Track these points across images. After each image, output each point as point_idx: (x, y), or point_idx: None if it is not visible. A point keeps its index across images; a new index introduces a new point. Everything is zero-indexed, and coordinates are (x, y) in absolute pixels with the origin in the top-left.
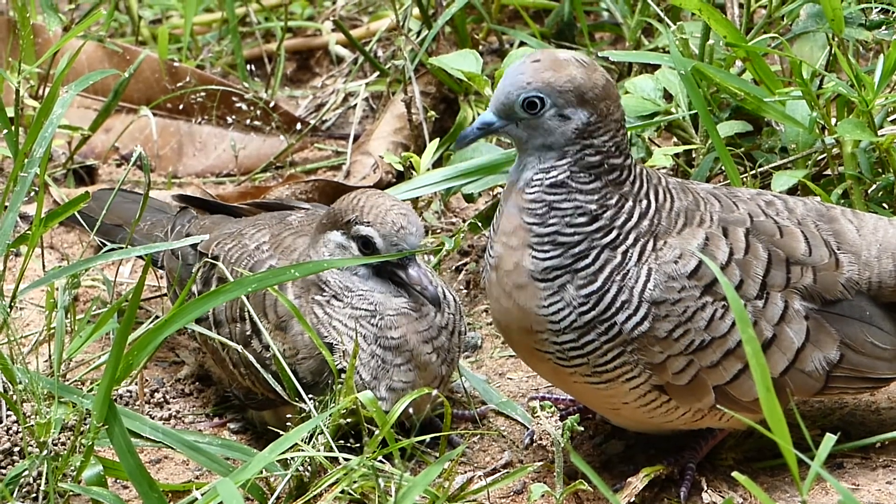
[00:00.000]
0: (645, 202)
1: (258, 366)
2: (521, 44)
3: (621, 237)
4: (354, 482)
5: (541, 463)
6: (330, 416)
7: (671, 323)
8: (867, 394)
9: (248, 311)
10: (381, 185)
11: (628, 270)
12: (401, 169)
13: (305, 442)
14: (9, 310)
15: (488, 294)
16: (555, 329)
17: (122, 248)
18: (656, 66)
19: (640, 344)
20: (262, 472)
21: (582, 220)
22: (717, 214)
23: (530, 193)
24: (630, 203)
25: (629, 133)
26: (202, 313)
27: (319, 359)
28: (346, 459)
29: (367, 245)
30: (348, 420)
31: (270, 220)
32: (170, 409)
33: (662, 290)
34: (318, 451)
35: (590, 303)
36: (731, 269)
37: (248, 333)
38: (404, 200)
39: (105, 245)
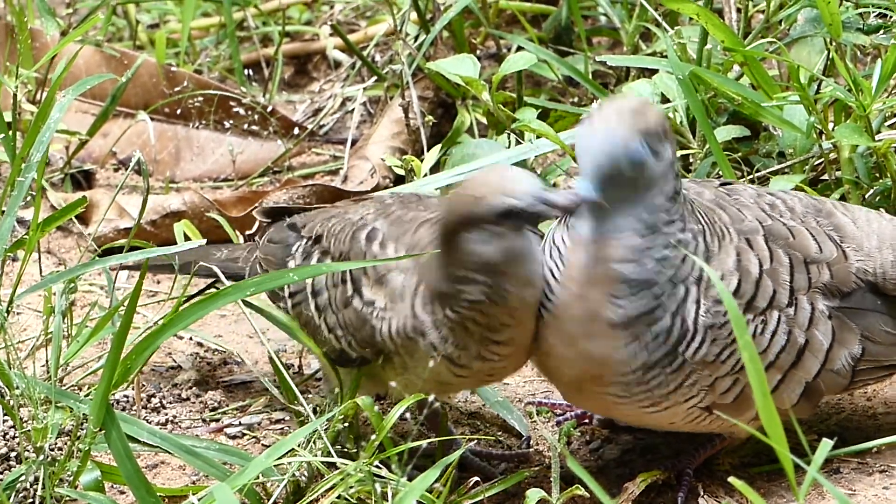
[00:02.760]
0: (697, 226)
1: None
2: (519, 48)
3: (692, 266)
4: (351, 487)
5: (537, 468)
6: (329, 420)
7: (719, 346)
8: (863, 399)
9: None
10: (379, 190)
11: (689, 300)
12: (401, 173)
13: (303, 447)
14: (6, 314)
15: (540, 329)
16: (625, 372)
17: (118, 253)
18: (654, 71)
19: (695, 370)
20: (259, 477)
21: (673, 255)
22: (732, 227)
23: (622, 240)
24: (693, 227)
25: None
26: (199, 318)
27: (407, 323)
28: (343, 464)
29: (509, 216)
30: (347, 424)
31: (369, 204)
32: (167, 414)
33: (712, 314)
34: (316, 455)
35: (660, 339)
36: (765, 280)
37: (348, 294)
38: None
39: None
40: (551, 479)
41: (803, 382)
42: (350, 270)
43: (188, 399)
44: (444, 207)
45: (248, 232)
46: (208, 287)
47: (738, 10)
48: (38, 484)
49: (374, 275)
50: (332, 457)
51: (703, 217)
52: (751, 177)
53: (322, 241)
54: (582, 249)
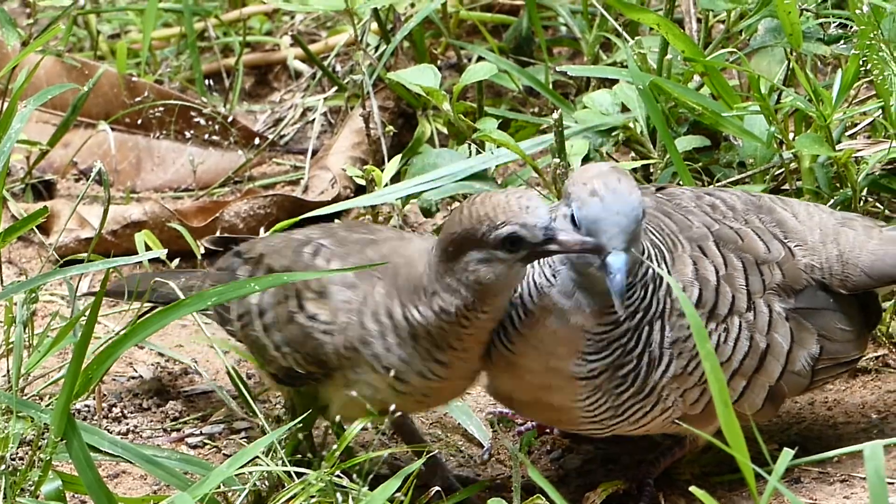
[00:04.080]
0: (654, 249)
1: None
2: (480, 58)
3: (659, 301)
4: (312, 497)
5: (498, 478)
6: (289, 430)
7: (685, 359)
8: (824, 408)
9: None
10: (340, 200)
11: (652, 328)
12: (362, 183)
13: (265, 454)
14: None
15: (493, 366)
16: (589, 416)
17: (79, 263)
18: (614, 81)
19: (665, 390)
20: (220, 487)
21: (641, 298)
22: (682, 236)
23: (611, 316)
24: (653, 250)
25: (588, 148)
26: (160, 328)
27: (353, 335)
28: (303, 474)
29: (514, 243)
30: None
31: (315, 229)
32: (128, 424)
33: (676, 328)
34: (277, 465)
35: (627, 382)
36: (723, 286)
37: (291, 309)
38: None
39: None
40: (512, 488)
41: (766, 386)
42: (294, 284)
43: (149, 409)
44: (456, 218)
45: (201, 251)
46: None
47: (699, 21)
48: None
49: (316, 287)
50: (293, 467)
51: (655, 235)
52: (711, 187)
53: (264, 260)
54: (555, 311)
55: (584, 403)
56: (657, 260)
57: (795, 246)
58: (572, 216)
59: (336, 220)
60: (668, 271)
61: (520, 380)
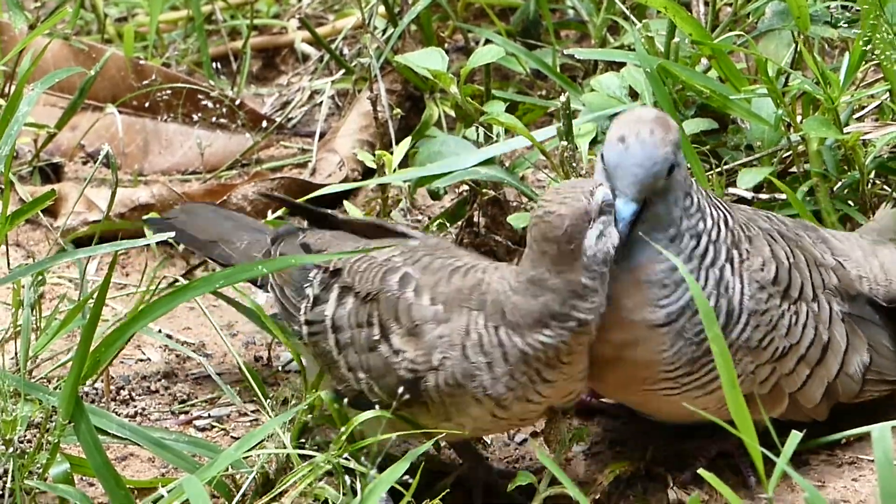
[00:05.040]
0: (717, 212)
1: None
2: (487, 41)
3: (720, 252)
4: (321, 479)
5: (506, 461)
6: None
7: (761, 332)
8: None
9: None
10: (347, 183)
11: (728, 282)
12: (373, 167)
13: (273, 439)
14: None
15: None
16: (673, 369)
17: (87, 246)
18: (622, 64)
19: (738, 356)
20: (228, 469)
21: (694, 246)
22: (752, 224)
23: (661, 264)
24: (714, 213)
25: (596, 130)
26: (168, 311)
27: (456, 370)
28: (311, 456)
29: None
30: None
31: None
32: (136, 407)
33: (756, 300)
34: (285, 448)
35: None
36: (794, 272)
37: (375, 338)
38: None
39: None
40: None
41: (825, 382)
42: (379, 314)
43: (157, 391)
44: (549, 220)
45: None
46: (184, 275)
47: (706, 4)
48: (7, 476)
49: (407, 323)
50: (301, 449)
51: (723, 205)
52: (719, 170)
53: (343, 275)
54: (627, 279)
55: (668, 354)
56: (723, 223)
57: (844, 260)
58: (602, 155)
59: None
60: (737, 240)
61: (602, 344)
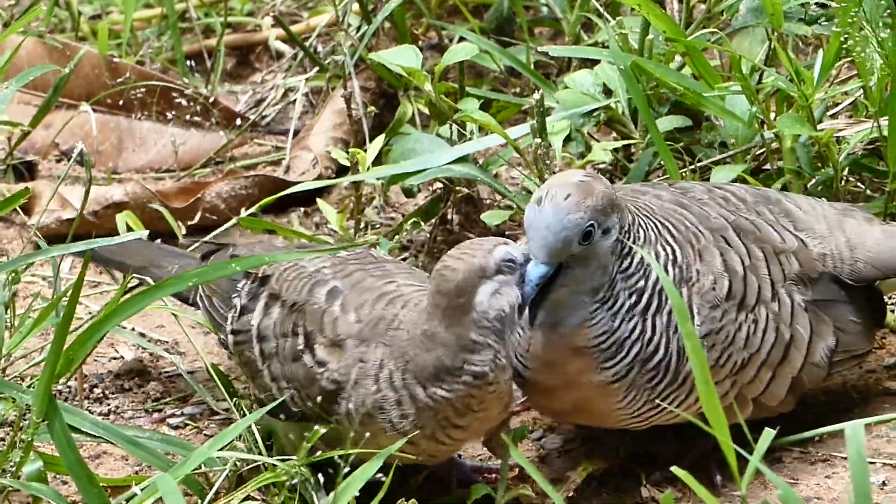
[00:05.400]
0: (664, 250)
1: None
2: (461, 39)
3: (664, 298)
4: (293, 478)
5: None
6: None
7: (717, 351)
8: None
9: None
10: (321, 180)
11: (670, 320)
12: (347, 164)
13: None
14: None
15: (527, 389)
16: (631, 412)
17: (61, 244)
18: (596, 62)
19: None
20: (201, 467)
21: (636, 304)
22: (703, 226)
23: (592, 329)
24: (664, 252)
25: (570, 128)
26: (141, 309)
27: (367, 399)
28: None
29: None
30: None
31: (321, 255)
32: (109, 405)
33: (710, 320)
34: (257, 445)
35: (659, 373)
36: (749, 276)
37: (299, 348)
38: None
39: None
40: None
41: (790, 378)
42: (304, 325)
43: (130, 389)
44: (446, 273)
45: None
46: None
47: (680, 1)
48: None
49: (331, 334)
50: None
51: (670, 231)
52: (693, 167)
53: (271, 283)
54: (542, 335)
55: (622, 404)
56: (674, 256)
57: (806, 236)
58: None
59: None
60: (688, 266)
61: (555, 397)
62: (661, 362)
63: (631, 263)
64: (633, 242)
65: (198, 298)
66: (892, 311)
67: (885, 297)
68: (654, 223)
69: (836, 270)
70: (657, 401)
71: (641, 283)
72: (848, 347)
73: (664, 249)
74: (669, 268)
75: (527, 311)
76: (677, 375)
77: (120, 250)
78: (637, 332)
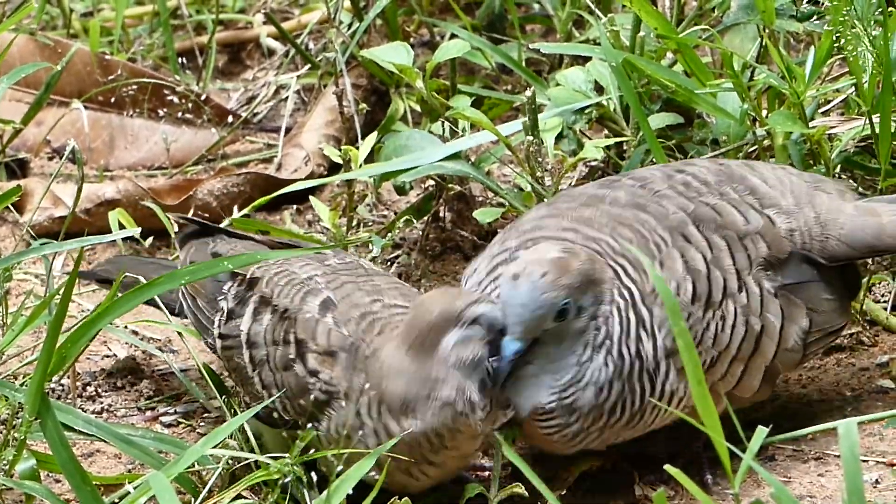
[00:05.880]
0: (622, 298)
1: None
2: (453, 36)
3: (627, 354)
4: (286, 476)
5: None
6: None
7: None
8: (798, 386)
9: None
10: (313, 178)
11: (643, 353)
12: (339, 162)
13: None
14: None
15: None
16: (612, 440)
17: (53, 241)
18: (587, 59)
19: (668, 387)
20: (194, 465)
21: (595, 398)
22: (661, 227)
23: (548, 420)
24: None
25: (562, 125)
26: (134, 307)
27: (349, 421)
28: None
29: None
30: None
31: (312, 260)
32: (102, 403)
33: (670, 340)
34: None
35: (625, 410)
36: (713, 272)
37: (291, 357)
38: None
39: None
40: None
41: (763, 368)
42: (296, 333)
43: (123, 388)
44: (419, 307)
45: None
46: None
47: None
48: None
49: (324, 344)
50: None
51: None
52: (681, 161)
53: (261, 286)
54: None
55: (598, 442)
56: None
57: (774, 212)
58: None
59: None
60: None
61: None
62: (625, 403)
63: (605, 334)
64: (600, 318)
65: (181, 298)
66: (885, 309)
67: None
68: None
69: (804, 248)
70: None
71: (606, 346)
72: (822, 326)
73: (622, 298)
74: (631, 315)
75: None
76: (644, 411)
77: (112, 268)
78: (593, 412)
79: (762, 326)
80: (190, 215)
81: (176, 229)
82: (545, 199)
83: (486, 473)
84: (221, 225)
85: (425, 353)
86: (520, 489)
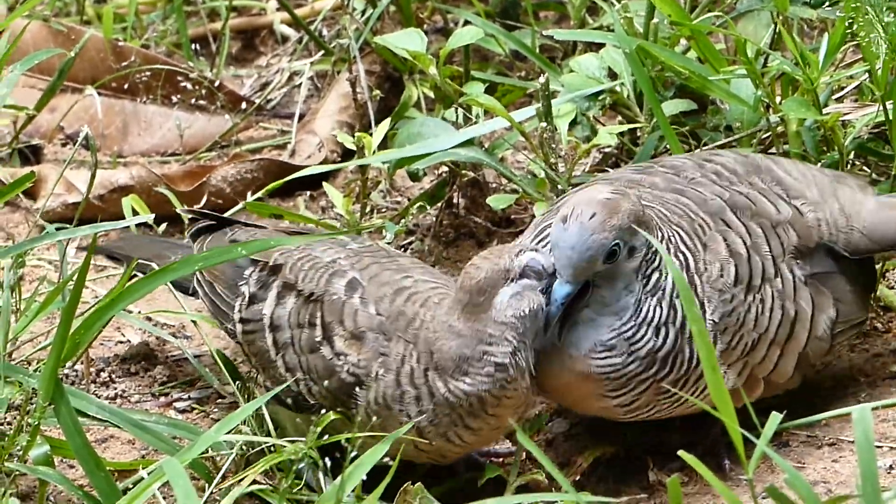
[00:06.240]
0: (677, 259)
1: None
2: (466, 22)
3: (680, 309)
4: (301, 461)
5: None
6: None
7: (729, 335)
8: (812, 372)
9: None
10: (327, 164)
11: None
12: (353, 148)
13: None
14: None
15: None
16: (645, 414)
17: (67, 227)
18: (601, 45)
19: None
20: (208, 451)
21: (652, 319)
22: (702, 212)
23: (605, 359)
24: (680, 258)
25: (575, 111)
26: (148, 293)
27: (388, 392)
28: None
29: (535, 272)
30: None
31: (333, 245)
32: (116, 389)
33: (721, 309)
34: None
35: (679, 385)
36: (753, 257)
37: (317, 339)
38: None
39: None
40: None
41: (796, 354)
42: (322, 316)
43: (137, 373)
44: (468, 271)
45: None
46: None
47: None
48: None
49: (351, 327)
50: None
51: (679, 234)
52: (698, 151)
53: (284, 272)
54: (554, 355)
55: (623, 416)
56: (686, 262)
57: (800, 203)
58: None
59: (350, 238)
60: (703, 260)
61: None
62: (672, 368)
63: (658, 280)
64: (656, 261)
65: (196, 284)
66: None
67: (877, 265)
68: (669, 231)
69: (831, 239)
70: (665, 405)
71: (659, 294)
72: (847, 317)
73: (677, 258)
74: (684, 274)
75: (555, 328)
76: (687, 380)
77: (125, 245)
78: (648, 358)
79: (795, 312)
80: (203, 202)
81: (187, 223)
82: (559, 186)
83: (500, 459)
84: (235, 209)
85: (478, 315)
86: (539, 475)
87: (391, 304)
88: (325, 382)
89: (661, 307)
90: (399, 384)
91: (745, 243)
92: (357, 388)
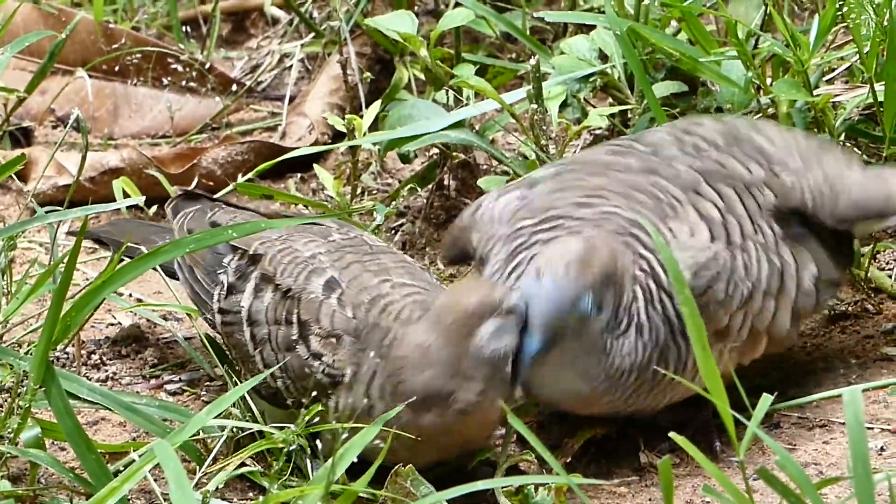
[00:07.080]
0: (641, 274)
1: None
2: (457, 4)
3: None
4: (291, 445)
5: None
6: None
7: (723, 281)
8: (803, 353)
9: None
10: (318, 145)
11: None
12: (343, 130)
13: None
14: None
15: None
16: (640, 405)
17: (58, 210)
18: (592, 27)
19: (709, 317)
20: (199, 433)
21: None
22: (674, 186)
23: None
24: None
25: (566, 93)
26: (138, 275)
27: (357, 401)
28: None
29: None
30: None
31: (315, 236)
32: (107, 371)
33: (699, 271)
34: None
35: (679, 375)
36: (728, 218)
37: (293, 338)
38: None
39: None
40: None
41: (790, 307)
42: (299, 314)
43: (128, 356)
44: (458, 292)
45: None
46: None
47: None
48: None
49: (327, 327)
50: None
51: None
52: (687, 121)
53: (263, 264)
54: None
55: (632, 408)
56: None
57: (781, 170)
58: None
59: (331, 226)
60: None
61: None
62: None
63: (623, 343)
64: (625, 322)
65: (177, 268)
66: (890, 276)
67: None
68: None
69: (815, 206)
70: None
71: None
72: (829, 276)
73: (640, 270)
74: (651, 283)
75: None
76: (686, 368)
77: (112, 229)
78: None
79: (781, 264)
80: (194, 184)
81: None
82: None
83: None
84: (226, 190)
85: (456, 343)
86: (529, 456)
87: (367, 314)
88: (301, 383)
89: (639, 337)
90: (369, 398)
91: (717, 208)
92: (331, 390)
